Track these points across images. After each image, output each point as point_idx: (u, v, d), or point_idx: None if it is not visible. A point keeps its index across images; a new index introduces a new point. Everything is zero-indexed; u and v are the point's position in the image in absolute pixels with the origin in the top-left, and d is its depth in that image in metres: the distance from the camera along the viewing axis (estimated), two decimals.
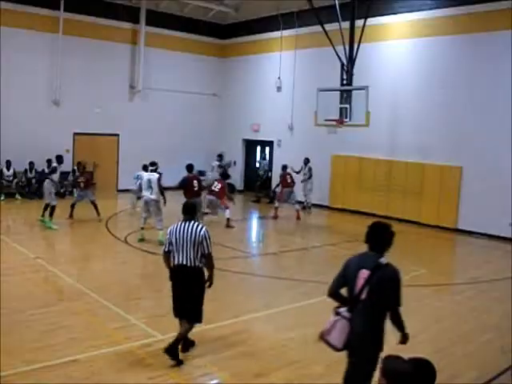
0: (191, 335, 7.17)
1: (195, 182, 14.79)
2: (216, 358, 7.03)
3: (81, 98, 21.94)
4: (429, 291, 10.88)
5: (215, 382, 6.82)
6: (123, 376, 6.40)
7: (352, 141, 19.65)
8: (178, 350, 6.84)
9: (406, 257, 13.50)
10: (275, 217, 18.55)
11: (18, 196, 19.98)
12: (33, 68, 20.89)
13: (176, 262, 6.86)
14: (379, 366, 3.55)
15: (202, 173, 25.37)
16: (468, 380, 6.78)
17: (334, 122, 17.75)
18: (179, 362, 6.77)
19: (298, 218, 18.53)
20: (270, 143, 24.18)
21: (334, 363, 7.08)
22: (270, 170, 23.94)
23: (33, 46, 20.79)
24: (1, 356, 6.65)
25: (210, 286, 7.07)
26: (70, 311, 8.60)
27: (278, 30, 23.11)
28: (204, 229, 6.87)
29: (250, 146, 25.83)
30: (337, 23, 17.34)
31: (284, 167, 19.33)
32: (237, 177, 24.90)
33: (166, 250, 6.97)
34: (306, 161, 20.27)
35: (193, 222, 6.94)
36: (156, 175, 13.66)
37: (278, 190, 19.40)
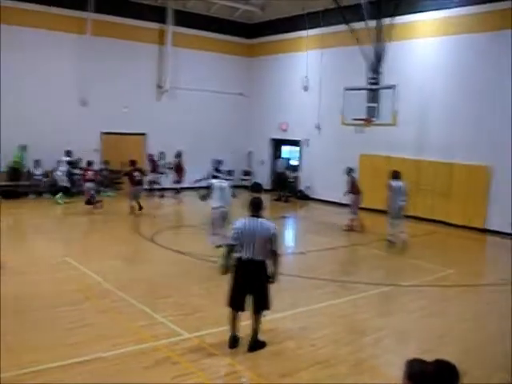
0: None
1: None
2: (243, 357, 6.99)
3: (108, 97, 22.09)
4: (456, 292, 10.70)
5: (241, 381, 6.78)
6: (149, 374, 6.39)
7: (380, 140, 19.48)
8: (257, 340, 7.21)
9: (433, 257, 13.40)
10: (350, 229, 16.48)
11: (46, 195, 20.18)
12: (61, 69, 21.12)
13: (244, 257, 7.06)
14: (403, 368, 3.49)
15: (229, 172, 25.49)
16: (497, 381, 6.66)
17: (361, 122, 17.65)
18: (263, 344, 7.24)
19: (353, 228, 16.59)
20: (298, 142, 24.09)
21: (361, 363, 7.04)
22: (296, 169, 23.82)
23: (61, 47, 21.02)
24: (30, 352, 6.74)
25: (273, 282, 7.24)
26: (96, 309, 8.65)
27: (304, 29, 23.01)
28: (275, 226, 7.16)
29: (277, 145, 25.76)
30: (363, 22, 17.22)
31: (350, 170, 16.71)
32: (264, 176, 24.86)
33: (232, 243, 7.17)
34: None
35: (261, 218, 7.18)
36: (226, 183, 12.37)
37: (351, 197, 16.54)
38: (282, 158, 24.86)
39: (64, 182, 19.54)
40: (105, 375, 6.30)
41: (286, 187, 23.01)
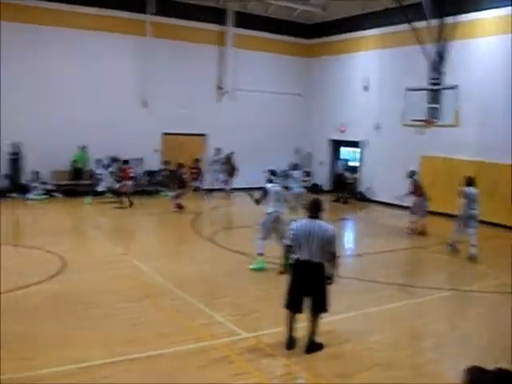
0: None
1: None
2: (300, 358, 6.98)
3: (169, 98, 22.43)
4: None
5: (298, 381, 6.78)
6: (207, 372, 6.46)
7: (441, 141, 19.06)
8: (314, 342, 7.18)
9: (496, 262, 13.01)
10: (414, 232, 16.17)
11: (108, 194, 20.58)
12: (123, 70, 21.59)
13: (302, 258, 7.07)
14: (462, 376, 3.42)
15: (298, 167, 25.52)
16: None
17: (422, 122, 17.39)
18: (320, 346, 7.20)
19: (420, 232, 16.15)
20: (357, 143, 23.87)
21: (420, 368, 6.93)
22: (355, 171, 23.62)
23: (123, 50, 21.51)
24: (89, 347, 6.93)
25: (331, 284, 7.24)
26: (155, 306, 8.80)
27: (364, 28, 22.78)
28: (333, 228, 7.16)
29: (336, 146, 25.59)
30: (425, 21, 16.93)
31: (412, 173, 16.44)
32: (323, 177, 24.74)
33: (290, 244, 7.21)
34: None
35: (320, 220, 7.17)
36: (279, 187, 11.91)
37: (413, 200, 16.29)
38: (341, 160, 24.68)
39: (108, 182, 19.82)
40: (162, 372, 6.41)
41: (346, 189, 22.83)
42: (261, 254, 11.19)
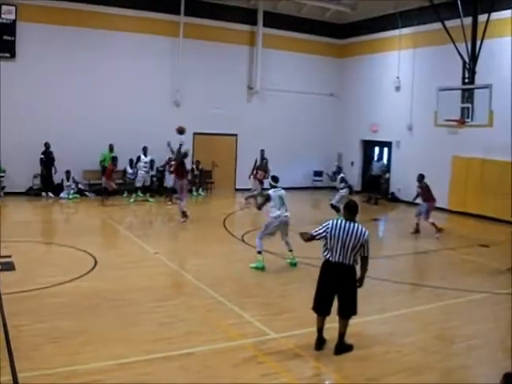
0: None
1: None
2: (329, 359, 6.98)
3: (201, 98, 22.56)
4: None
5: (326, 383, 6.79)
6: (236, 371, 6.51)
7: (474, 141, 18.80)
8: (344, 343, 7.18)
9: None
10: (441, 231, 15.79)
11: (140, 193, 20.80)
12: (155, 71, 21.82)
13: (334, 260, 7.06)
14: (500, 381, 3.39)
15: (317, 173, 25.47)
16: None
17: (454, 123, 17.19)
18: (349, 347, 7.21)
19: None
20: (389, 144, 23.71)
21: (450, 373, 6.87)
22: (389, 171, 23.47)
23: (156, 50, 21.71)
24: (121, 345, 7.05)
25: (360, 287, 7.24)
26: (186, 305, 8.88)
27: (396, 28, 22.61)
28: (367, 232, 7.11)
29: (368, 146, 25.46)
30: (458, 19, 16.74)
31: (422, 177, 16.13)
32: (354, 178, 24.64)
33: (316, 235, 7.24)
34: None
35: (355, 222, 7.16)
36: (283, 191, 11.82)
37: (425, 205, 15.90)
38: (379, 161, 24.40)
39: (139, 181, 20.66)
40: (193, 371, 6.47)
41: (379, 189, 22.70)
42: (260, 253, 11.38)
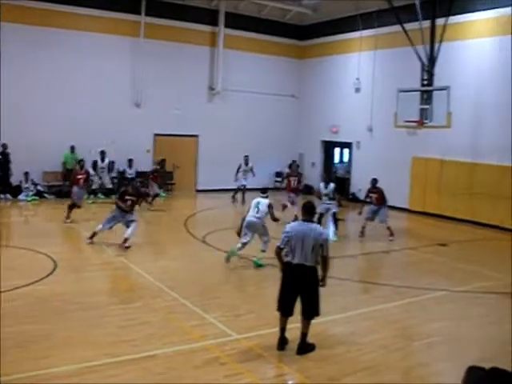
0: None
1: None
2: (292, 359, 7.01)
3: (161, 99, 22.45)
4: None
5: (290, 383, 6.82)
6: (199, 373, 6.49)
7: (433, 142, 19.17)
8: (306, 343, 7.18)
9: (490, 263, 13.04)
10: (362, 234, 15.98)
11: (100, 195, 20.60)
12: (116, 71, 21.62)
13: (294, 261, 7.07)
14: (462, 376, 3.43)
15: (278, 174, 25.54)
16: None
17: (414, 124, 17.43)
18: (312, 347, 7.22)
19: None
20: (349, 144, 23.92)
21: (409, 371, 6.96)
22: (349, 171, 23.69)
23: (116, 50, 21.55)
24: (82, 349, 6.95)
25: (323, 286, 7.26)
26: (148, 308, 8.80)
27: (356, 30, 22.87)
28: (326, 232, 7.18)
29: (328, 147, 25.63)
30: (417, 22, 17.00)
31: (375, 181, 16.16)
32: (315, 178, 24.77)
33: (282, 246, 7.19)
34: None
35: (312, 223, 7.20)
36: (267, 200, 11.91)
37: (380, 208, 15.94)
38: (343, 163, 24.53)
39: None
40: (156, 373, 6.43)
41: (344, 191, 22.76)
42: (229, 259, 11.55)
